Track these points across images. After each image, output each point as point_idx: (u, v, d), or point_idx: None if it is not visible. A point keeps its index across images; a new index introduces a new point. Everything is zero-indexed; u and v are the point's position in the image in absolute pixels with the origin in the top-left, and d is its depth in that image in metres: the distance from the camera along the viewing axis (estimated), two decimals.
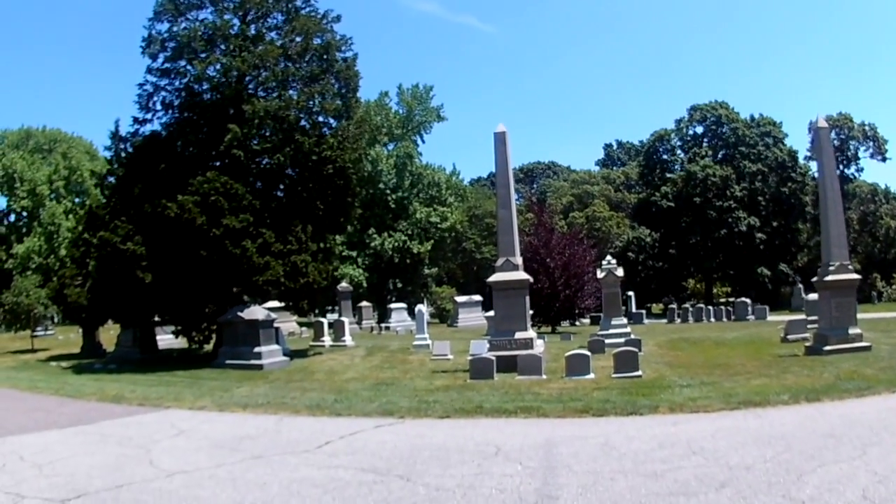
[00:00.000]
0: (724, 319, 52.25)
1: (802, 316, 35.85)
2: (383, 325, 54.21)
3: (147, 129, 33.42)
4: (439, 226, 69.98)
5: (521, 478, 9.98)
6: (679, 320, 53.63)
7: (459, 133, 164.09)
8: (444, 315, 62.47)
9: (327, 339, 37.54)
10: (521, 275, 24.86)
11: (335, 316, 47.86)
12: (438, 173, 74.00)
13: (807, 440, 11.55)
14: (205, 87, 33.13)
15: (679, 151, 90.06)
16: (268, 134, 31.65)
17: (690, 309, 56.61)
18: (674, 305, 61.76)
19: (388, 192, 68.04)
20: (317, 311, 55.86)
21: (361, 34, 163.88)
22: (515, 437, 12.82)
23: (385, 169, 67.53)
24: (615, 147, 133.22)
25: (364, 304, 58.90)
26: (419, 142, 75.30)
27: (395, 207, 68.53)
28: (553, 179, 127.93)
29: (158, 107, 33.35)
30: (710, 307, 57.55)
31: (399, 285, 68.27)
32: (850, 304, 24.88)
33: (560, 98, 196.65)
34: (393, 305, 57.78)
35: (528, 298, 25.07)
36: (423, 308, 35.47)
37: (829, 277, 24.61)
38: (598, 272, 35.53)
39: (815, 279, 25.91)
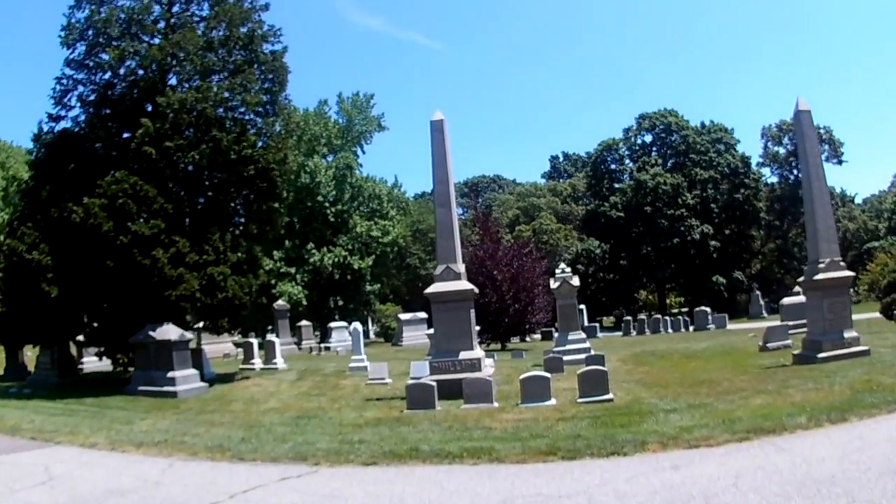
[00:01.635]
0: (683, 330, 50.92)
1: (777, 322, 33.25)
2: (324, 345, 51.35)
3: (62, 126, 30.27)
4: (381, 240, 66.67)
5: None
6: (635, 332, 52.06)
7: (403, 149, 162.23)
8: (389, 334, 59.80)
9: (258, 362, 34.04)
10: (465, 284, 21.87)
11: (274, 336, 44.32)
12: (379, 185, 71.13)
13: (870, 484, 8.59)
14: (121, 78, 29.82)
15: (627, 161, 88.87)
16: (183, 129, 28.15)
17: (647, 320, 55.32)
18: (629, 318, 59.93)
19: (326, 205, 64.83)
20: (255, 332, 52.68)
21: (306, 48, 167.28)
22: (461, 499, 9.73)
23: (324, 181, 64.21)
24: (561, 159, 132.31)
25: (304, 323, 55.92)
26: (359, 153, 72.24)
27: (335, 221, 65.24)
28: (498, 193, 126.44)
29: (74, 102, 30.12)
30: (668, 318, 56.42)
31: (340, 303, 64.54)
32: (843, 304, 22.44)
33: (505, 112, 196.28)
34: (333, 324, 54.60)
35: (473, 312, 22.03)
36: (358, 327, 32.22)
37: (820, 276, 22.14)
38: (552, 282, 32.62)
39: (801, 279, 23.79)
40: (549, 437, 13.12)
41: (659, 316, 58.42)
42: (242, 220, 31.28)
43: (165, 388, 24.00)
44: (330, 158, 68.42)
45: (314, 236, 63.81)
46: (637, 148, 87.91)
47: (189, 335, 26.22)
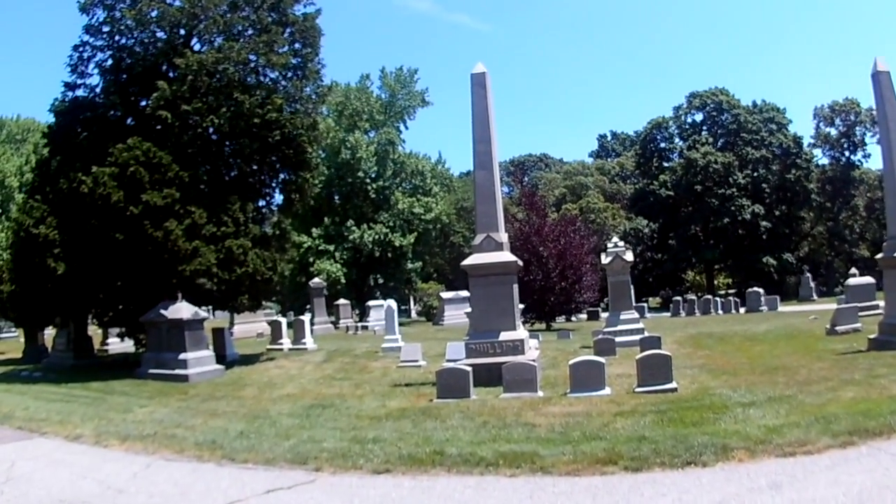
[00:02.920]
0: (733, 311, 48.63)
1: (832, 305, 30.37)
2: (361, 324, 49.30)
3: (80, 94, 28.23)
4: (423, 217, 64.51)
5: None
6: (684, 313, 49.79)
7: (450, 131, 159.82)
8: (432, 313, 58.08)
9: (286, 342, 31.92)
10: (507, 255, 19.24)
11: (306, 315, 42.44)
12: (423, 162, 68.91)
13: None
14: (139, 42, 27.77)
15: (677, 139, 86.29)
16: (202, 92, 25.93)
17: (696, 301, 53.00)
18: (678, 298, 57.45)
19: (368, 181, 62.81)
20: (293, 311, 50.88)
21: (352, 30, 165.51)
22: None
23: (365, 156, 62.13)
24: (609, 138, 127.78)
25: (342, 301, 54.02)
26: (402, 128, 69.77)
27: (376, 198, 63.27)
28: (545, 172, 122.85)
29: (91, 70, 28.15)
30: (718, 299, 54.38)
31: (381, 281, 62.63)
32: None
33: (552, 90, 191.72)
34: (372, 303, 52.73)
35: (516, 287, 19.39)
36: (392, 304, 29.93)
37: None
38: (604, 257, 29.85)
39: (880, 256, 20.70)
40: (607, 440, 10.59)
41: (709, 296, 56.38)
42: (270, 190, 29.10)
43: (176, 371, 22.02)
44: (372, 134, 66.24)
45: (355, 213, 61.97)
46: (687, 126, 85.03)
47: (204, 313, 24.13)
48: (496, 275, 18.75)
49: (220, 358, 25.51)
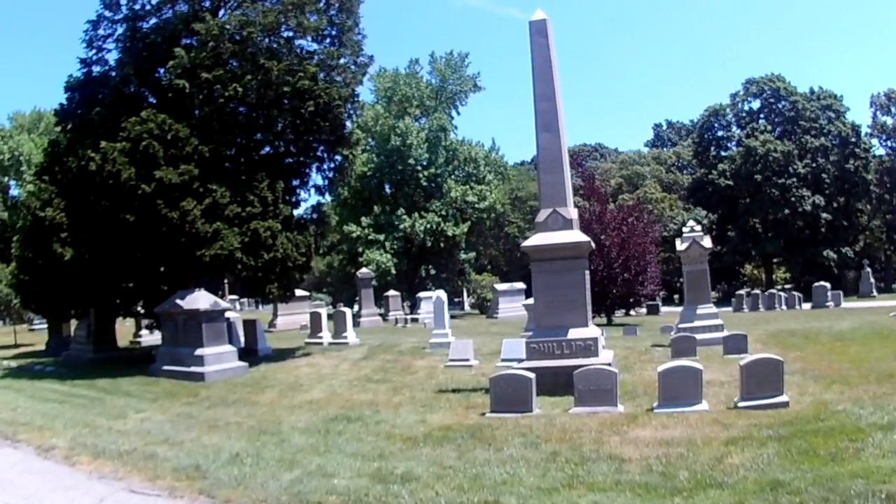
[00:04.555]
0: (797, 307, 46.86)
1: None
2: (411, 316, 47.21)
3: (96, 71, 25.88)
4: (477, 206, 61.52)
5: None
6: (747, 308, 47.27)
7: (501, 125, 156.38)
8: (485, 306, 55.37)
9: (326, 335, 29.09)
10: (578, 235, 15.81)
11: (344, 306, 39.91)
12: (476, 149, 66.05)
13: None
14: (156, 8, 25.17)
15: (735, 128, 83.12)
16: (225, 59, 23.15)
17: (760, 295, 50.31)
18: (741, 292, 54.73)
19: (419, 168, 60.48)
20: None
21: (401, 28, 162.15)
22: None
23: (415, 143, 59.76)
24: (665, 127, 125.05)
25: (391, 293, 51.59)
26: (454, 115, 66.81)
27: (427, 186, 60.72)
28: (600, 162, 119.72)
29: (106, 44, 25.72)
30: (782, 293, 51.52)
31: (433, 272, 60.67)
32: None
33: (606, 79, 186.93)
34: (422, 294, 49.93)
35: (587, 275, 15.97)
36: (441, 295, 26.89)
37: None
38: (678, 243, 26.44)
39: None
40: (729, 487, 7.41)
41: (774, 291, 53.86)
42: (307, 170, 26.25)
43: (192, 369, 19.50)
44: (423, 121, 63.81)
45: (405, 201, 59.58)
46: (744, 114, 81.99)
47: (224, 303, 21.45)
48: (565, 258, 15.32)
49: (252, 353, 23.45)
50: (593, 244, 17.28)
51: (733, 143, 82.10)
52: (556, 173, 15.79)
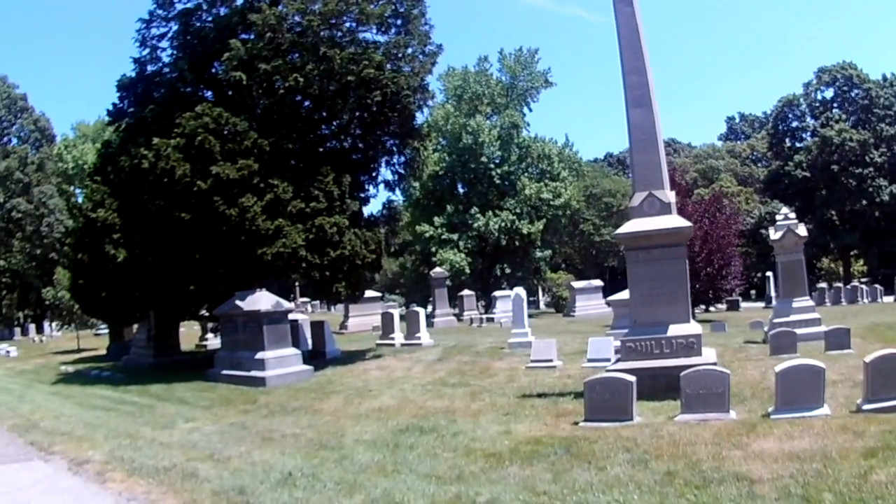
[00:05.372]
0: (881, 300, 46.72)
1: None
2: (486, 316, 45.63)
3: (149, 69, 25.27)
4: (552, 203, 60.51)
5: None
6: (829, 302, 45.65)
7: (574, 122, 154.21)
8: (561, 304, 54.12)
9: (398, 336, 27.89)
10: (679, 220, 13.98)
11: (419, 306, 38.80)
12: (549, 145, 64.99)
13: None
14: (210, 3, 24.52)
15: (809, 118, 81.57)
16: (284, 50, 22.00)
17: (842, 289, 49.94)
18: (823, 285, 53.70)
19: (492, 166, 59.40)
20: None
21: (466, 30, 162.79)
22: None
23: (488, 141, 58.81)
24: (737, 119, 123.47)
25: (466, 292, 50.61)
26: (526, 111, 65.80)
27: (501, 183, 59.69)
28: (673, 157, 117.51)
29: (160, 43, 25.20)
30: (864, 286, 50.92)
31: (507, 271, 59.19)
32: None
33: (676, 75, 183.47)
34: (498, 293, 48.88)
35: (686, 265, 14.03)
36: (521, 293, 25.21)
37: None
38: (772, 232, 24.51)
39: None
40: None
41: (856, 284, 53.23)
42: (375, 164, 25.06)
43: (252, 374, 18.51)
44: (494, 118, 62.84)
45: (479, 200, 58.68)
46: (817, 104, 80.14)
47: (287, 304, 20.30)
48: (663, 246, 13.47)
49: (319, 355, 22.78)
50: (692, 229, 15.49)
51: (808, 133, 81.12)
52: (650, 153, 13.93)
